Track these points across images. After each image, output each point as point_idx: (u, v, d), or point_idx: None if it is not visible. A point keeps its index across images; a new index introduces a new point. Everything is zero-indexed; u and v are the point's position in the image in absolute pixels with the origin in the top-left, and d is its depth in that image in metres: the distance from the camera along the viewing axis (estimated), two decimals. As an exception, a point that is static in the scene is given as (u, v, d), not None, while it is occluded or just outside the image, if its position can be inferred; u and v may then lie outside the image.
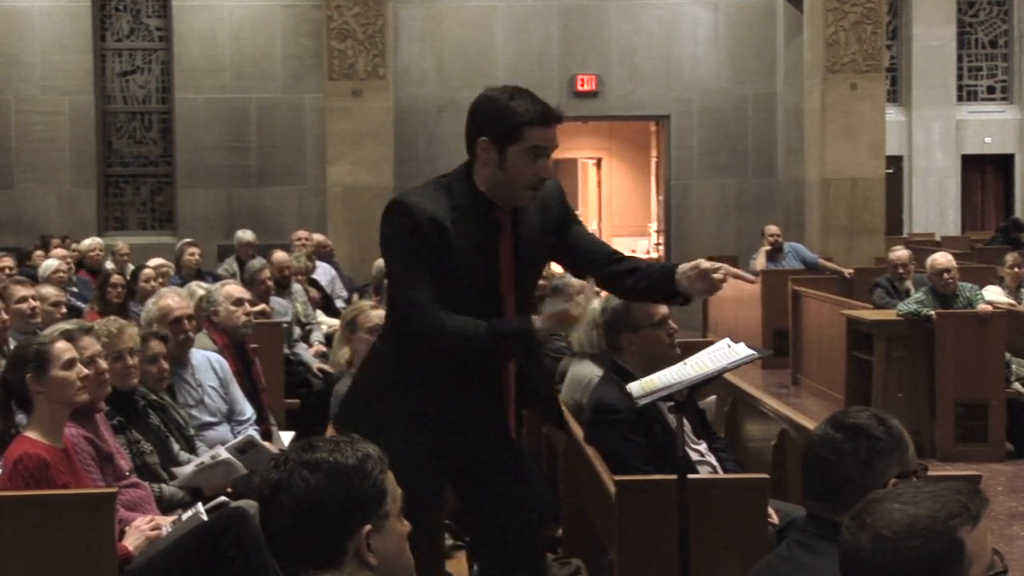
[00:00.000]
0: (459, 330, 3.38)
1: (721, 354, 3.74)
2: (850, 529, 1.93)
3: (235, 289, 6.25)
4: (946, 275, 8.55)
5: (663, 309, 4.53)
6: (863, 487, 2.44)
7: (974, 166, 19.03)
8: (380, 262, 9.27)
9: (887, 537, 1.85)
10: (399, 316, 3.52)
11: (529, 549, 3.68)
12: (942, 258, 8.71)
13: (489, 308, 3.46)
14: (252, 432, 5.24)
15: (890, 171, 16.05)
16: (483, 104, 3.44)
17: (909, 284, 9.71)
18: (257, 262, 8.82)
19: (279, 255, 9.38)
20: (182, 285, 7.90)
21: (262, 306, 8.09)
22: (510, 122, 3.36)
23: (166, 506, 4.45)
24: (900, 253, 9.99)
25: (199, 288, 6.77)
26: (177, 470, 4.67)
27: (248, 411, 5.66)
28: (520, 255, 3.53)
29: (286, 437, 5.91)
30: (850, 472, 2.47)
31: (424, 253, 3.37)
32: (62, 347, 4.06)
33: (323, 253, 11.58)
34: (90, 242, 11.60)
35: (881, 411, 2.57)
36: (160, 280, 8.72)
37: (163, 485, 4.55)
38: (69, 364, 4.02)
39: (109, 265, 11.22)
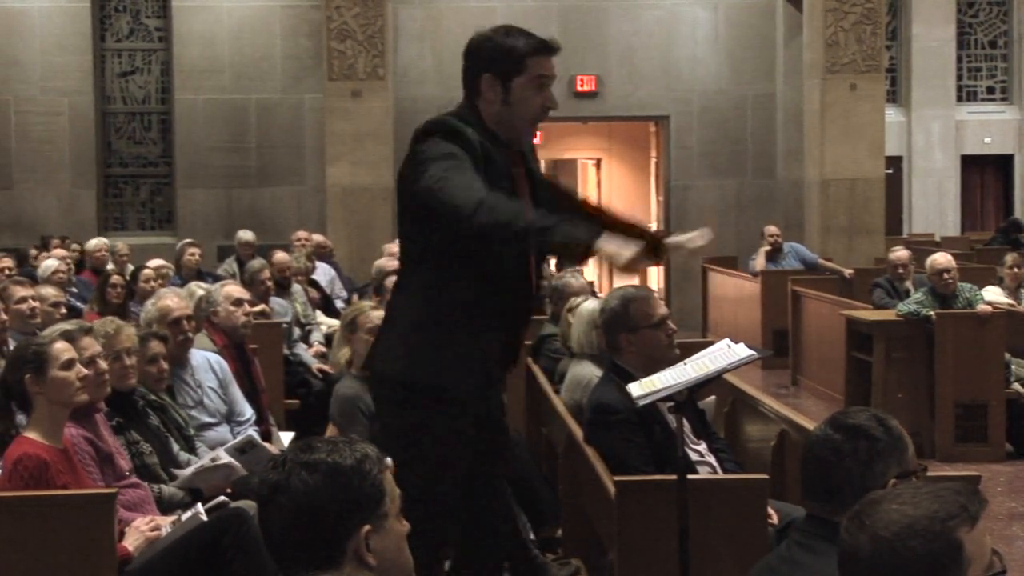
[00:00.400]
0: (516, 220, 3.11)
1: (721, 354, 3.74)
2: (849, 530, 1.93)
3: (235, 289, 6.25)
4: (946, 275, 8.56)
5: (662, 310, 4.53)
6: (862, 488, 2.44)
7: (974, 166, 19.03)
8: (380, 262, 9.24)
9: (886, 538, 1.86)
10: (467, 212, 3.11)
11: (507, 539, 3.71)
12: (942, 258, 8.71)
13: (519, 262, 3.45)
14: (252, 432, 5.24)
15: (890, 171, 16.05)
16: (482, 43, 3.49)
17: (909, 284, 9.70)
18: (257, 262, 8.82)
19: (279, 255, 9.38)
20: (182, 285, 7.90)
21: (262, 306, 8.09)
22: (513, 55, 3.42)
23: (166, 506, 4.45)
24: (900, 253, 9.98)
25: (199, 288, 6.77)
26: (177, 471, 4.67)
27: (248, 411, 5.66)
28: (536, 200, 3.53)
29: (286, 438, 5.92)
30: (850, 473, 2.47)
31: (471, 164, 3.27)
32: (61, 347, 4.06)
33: (323, 253, 11.58)
34: (96, 242, 11.60)
35: (881, 411, 2.57)
36: (160, 281, 8.72)
37: (163, 485, 4.55)
38: (68, 364, 4.02)
39: (109, 265, 11.22)
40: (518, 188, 3.48)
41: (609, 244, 3.08)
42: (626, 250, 3.06)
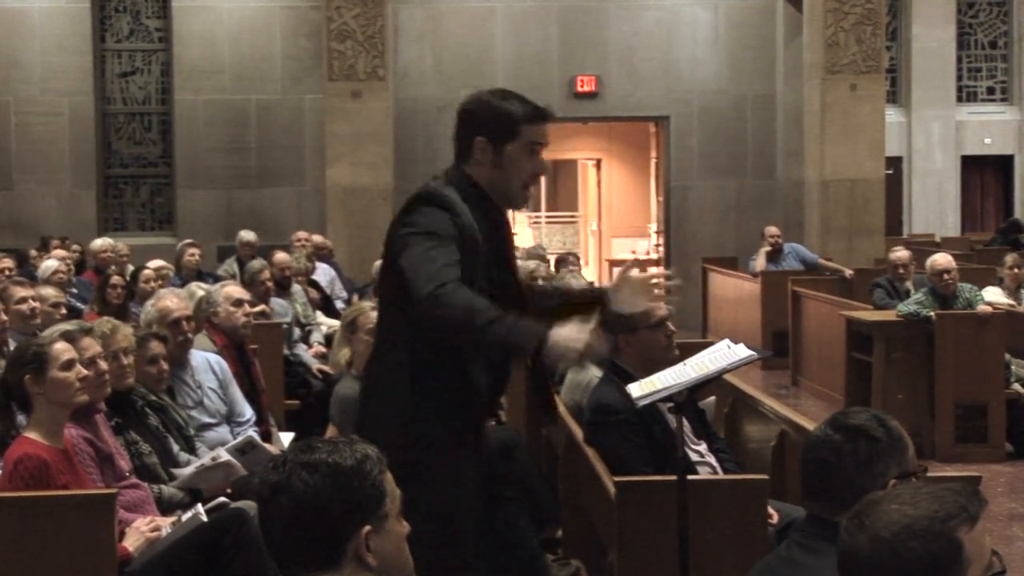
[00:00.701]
0: (477, 311, 3.12)
1: (721, 355, 3.75)
2: (848, 530, 1.93)
3: (235, 290, 6.25)
4: (946, 276, 8.56)
5: (661, 311, 4.52)
6: (862, 488, 2.44)
7: (974, 167, 19.03)
8: (380, 262, 9.23)
9: (885, 538, 1.86)
10: (424, 299, 3.16)
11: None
12: (942, 259, 8.71)
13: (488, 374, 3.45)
14: (252, 433, 5.24)
15: (890, 172, 16.05)
16: (477, 105, 3.48)
17: (909, 285, 9.70)
18: (257, 263, 8.82)
19: (280, 255, 9.38)
20: (182, 286, 7.90)
21: (262, 307, 8.09)
22: (508, 120, 3.42)
23: (166, 507, 4.46)
24: (901, 254, 9.97)
25: (199, 289, 6.77)
26: (177, 471, 4.67)
27: (248, 412, 5.66)
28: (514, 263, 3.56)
29: (286, 438, 5.91)
30: (850, 473, 2.47)
31: (456, 247, 3.27)
32: (61, 348, 4.06)
33: (323, 254, 11.58)
34: (100, 243, 11.61)
35: (881, 412, 2.57)
36: (160, 282, 8.72)
37: (163, 486, 4.55)
38: (68, 365, 4.02)
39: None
40: (507, 259, 3.49)
41: (560, 337, 3.08)
42: (577, 338, 3.06)
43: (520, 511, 3.76)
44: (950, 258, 8.82)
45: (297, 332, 8.69)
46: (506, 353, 3.40)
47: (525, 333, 3.12)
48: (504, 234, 3.52)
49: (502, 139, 3.42)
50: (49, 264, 9.47)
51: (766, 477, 4.11)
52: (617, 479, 3.97)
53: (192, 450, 5.00)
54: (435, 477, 3.30)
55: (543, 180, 23.49)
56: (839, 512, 2.45)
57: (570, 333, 3.07)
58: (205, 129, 15.66)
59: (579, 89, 15.66)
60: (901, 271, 9.80)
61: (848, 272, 12.37)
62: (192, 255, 10.80)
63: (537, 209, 23.57)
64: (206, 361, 5.59)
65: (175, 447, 4.87)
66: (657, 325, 4.49)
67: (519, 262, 9.50)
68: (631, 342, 4.50)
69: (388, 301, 3.53)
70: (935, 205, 18.77)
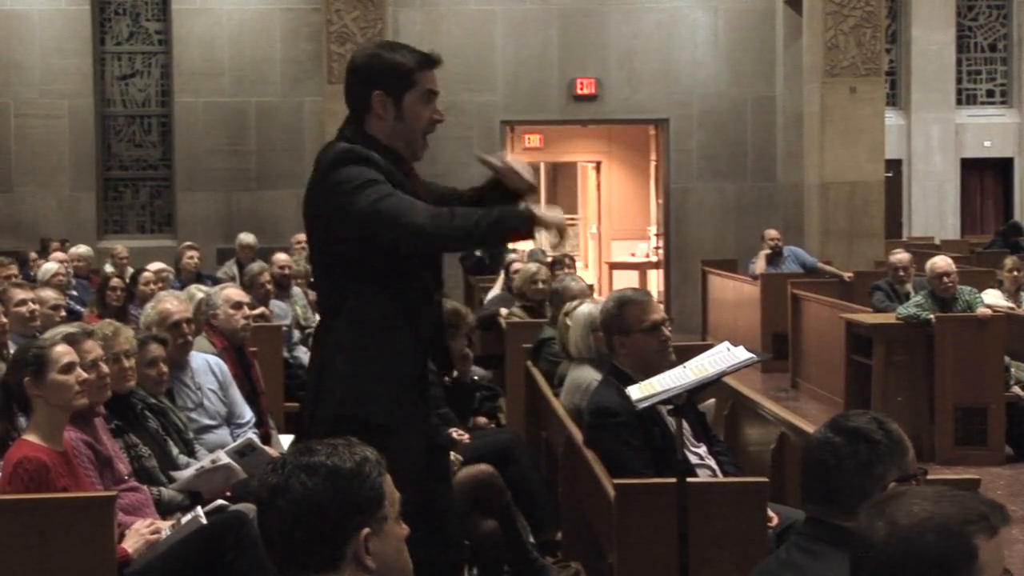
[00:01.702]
0: (479, 216, 3.30)
1: (720, 357, 3.74)
2: (867, 516, 1.93)
3: (234, 292, 6.25)
4: (946, 279, 8.56)
5: (656, 315, 4.51)
6: (862, 491, 2.44)
7: (973, 170, 19.03)
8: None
9: (902, 526, 1.86)
10: (404, 226, 3.27)
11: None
12: (942, 262, 8.71)
13: (431, 273, 3.51)
14: (251, 435, 5.24)
15: (889, 175, 16.05)
16: (368, 60, 3.49)
17: (909, 287, 9.70)
18: (256, 265, 8.82)
19: (280, 255, 9.38)
20: (181, 288, 7.90)
21: (261, 309, 8.09)
22: (403, 71, 3.44)
23: (165, 509, 4.45)
24: (901, 256, 9.97)
25: (198, 291, 6.77)
26: (176, 474, 4.67)
27: (247, 414, 5.66)
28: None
29: (285, 440, 5.91)
30: (849, 476, 2.47)
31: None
32: (61, 351, 4.05)
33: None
34: (81, 250, 11.66)
35: (881, 415, 2.57)
36: (159, 284, 8.72)
37: (162, 488, 4.55)
38: (68, 368, 4.01)
39: (108, 268, 11.22)
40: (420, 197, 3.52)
41: (545, 211, 3.30)
42: (557, 211, 3.31)
43: (448, 491, 3.74)
44: (950, 261, 8.82)
45: (297, 335, 8.69)
46: (505, 238, 3.52)
47: (513, 216, 3.32)
48: (417, 185, 3.53)
49: (400, 90, 3.43)
50: (48, 267, 9.47)
51: (766, 479, 4.10)
52: (616, 481, 3.96)
53: (192, 453, 4.99)
54: (382, 434, 3.32)
55: (542, 181, 23.48)
56: (839, 515, 2.46)
57: (549, 211, 3.30)
58: (205, 131, 15.67)
59: (579, 91, 15.67)
60: (901, 273, 9.78)
61: (847, 276, 12.37)
62: (191, 257, 10.80)
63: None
64: (206, 363, 5.59)
65: (175, 450, 4.87)
66: (650, 329, 4.47)
67: (519, 264, 9.52)
68: (625, 344, 4.49)
69: (326, 267, 3.55)
70: (935, 208, 18.77)
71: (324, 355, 3.51)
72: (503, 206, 3.40)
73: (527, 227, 3.30)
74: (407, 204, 3.30)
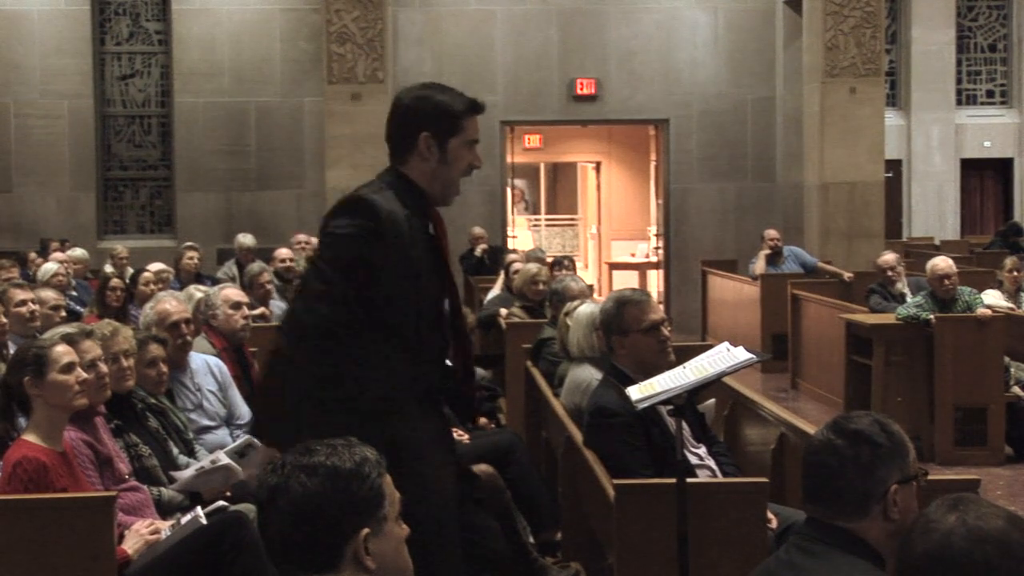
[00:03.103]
0: (350, 378, 3.29)
1: (720, 358, 3.74)
2: (940, 507, 1.96)
3: (233, 293, 6.25)
4: (946, 282, 8.56)
5: (654, 316, 4.50)
6: (864, 493, 2.44)
7: (973, 170, 19.04)
8: None
9: (972, 527, 1.89)
10: (306, 310, 3.31)
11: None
12: (942, 263, 8.70)
13: (438, 330, 3.48)
14: (251, 435, 5.23)
15: (889, 175, 16.05)
16: (417, 102, 3.49)
17: (901, 287, 9.72)
18: (256, 266, 8.82)
19: (282, 250, 9.38)
20: (181, 289, 7.90)
21: (261, 310, 8.10)
22: (451, 115, 3.45)
23: (165, 510, 4.45)
24: (887, 257, 10.02)
25: (197, 291, 6.77)
26: (176, 474, 4.66)
27: (247, 414, 5.65)
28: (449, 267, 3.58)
29: (285, 441, 5.90)
30: (851, 478, 2.46)
31: (374, 263, 3.30)
32: (61, 351, 4.05)
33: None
34: (78, 253, 11.67)
35: (883, 416, 2.57)
36: (159, 284, 8.72)
37: (162, 488, 4.55)
38: (68, 368, 4.01)
39: (108, 268, 11.22)
40: (444, 264, 3.51)
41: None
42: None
43: (483, 513, 3.73)
44: (951, 262, 8.81)
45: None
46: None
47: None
48: (440, 232, 3.51)
49: (447, 134, 3.44)
50: (48, 267, 9.47)
51: (765, 480, 4.10)
52: (616, 482, 3.96)
53: (191, 453, 4.99)
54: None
55: (542, 182, 23.45)
56: (840, 516, 2.46)
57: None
58: (205, 132, 15.67)
59: (579, 92, 15.66)
60: (890, 273, 9.83)
61: (847, 276, 12.37)
62: (191, 258, 10.80)
63: (537, 212, 23.58)
64: (205, 364, 5.58)
65: (175, 450, 4.87)
66: (648, 330, 4.46)
67: (519, 265, 9.52)
68: (624, 344, 4.49)
69: None
70: (934, 208, 18.78)
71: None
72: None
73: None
74: (329, 323, 3.26)
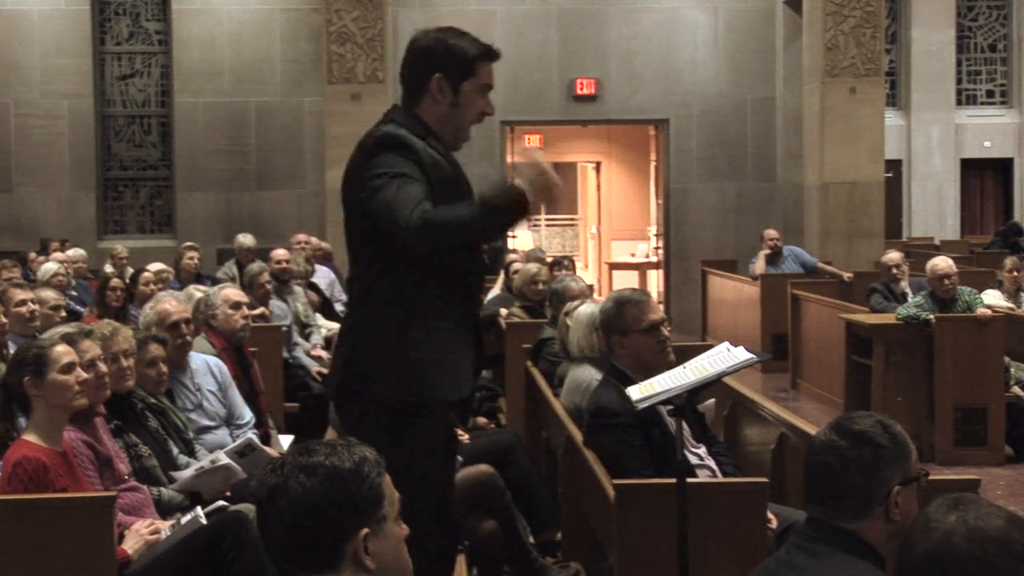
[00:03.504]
0: (458, 218, 3.26)
1: (720, 358, 3.74)
2: (940, 507, 1.96)
3: (233, 293, 6.25)
4: (946, 281, 8.56)
5: (654, 316, 4.50)
6: (866, 494, 2.44)
7: (973, 170, 19.04)
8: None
9: (972, 527, 1.90)
10: (406, 228, 3.24)
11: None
12: (942, 263, 8.70)
13: (468, 257, 3.48)
14: (251, 436, 5.23)
15: (889, 175, 16.05)
16: (433, 43, 3.51)
17: (904, 286, 9.71)
18: (256, 266, 8.81)
19: (278, 251, 9.37)
20: (181, 289, 7.90)
21: (261, 310, 8.09)
22: (465, 58, 3.47)
23: (165, 510, 4.45)
24: (892, 255, 9.99)
25: (197, 291, 6.77)
26: (176, 474, 4.66)
27: (247, 414, 5.65)
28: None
29: (285, 441, 5.91)
30: (854, 479, 2.46)
31: (422, 185, 3.31)
32: (61, 351, 4.05)
33: (322, 257, 11.58)
34: (74, 253, 11.66)
35: (885, 417, 2.57)
36: (159, 284, 8.72)
37: (162, 488, 4.55)
38: (68, 368, 4.01)
39: (108, 268, 11.22)
40: (465, 189, 3.51)
41: (527, 181, 3.25)
42: (538, 167, 3.26)
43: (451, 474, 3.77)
44: (951, 262, 8.81)
45: (297, 332, 8.67)
46: (506, 226, 3.44)
47: (507, 203, 3.24)
48: (460, 172, 3.52)
49: (460, 77, 3.46)
50: (48, 267, 9.47)
51: (765, 480, 4.10)
52: (616, 482, 3.96)
53: (191, 453, 4.99)
54: (411, 434, 3.38)
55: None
56: (841, 517, 2.46)
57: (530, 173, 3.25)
58: (205, 132, 15.67)
59: (579, 92, 15.67)
60: (895, 271, 9.80)
61: (847, 276, 12.37)
62: (191, 258, 10.79)
63: (536, 212, 23.56)
64: (205, 364, 5.58)
65: (174, 450, 4.87)
66: (648, 330, 4.47)
67: (519, 265, 9.53)
68: (624, 344, 4.49)
69: (361, 248, 3.52)
70: (934, 208, 18.78)
71: (363, 319, 3.50)
72: (490, 195, 3.30)
73: (516, 202, 3.24)
74: (412, 199, 3.25)
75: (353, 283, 3.61)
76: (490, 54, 3.52)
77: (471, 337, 3.54)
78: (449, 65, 3.46)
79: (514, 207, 3.26)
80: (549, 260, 10.55)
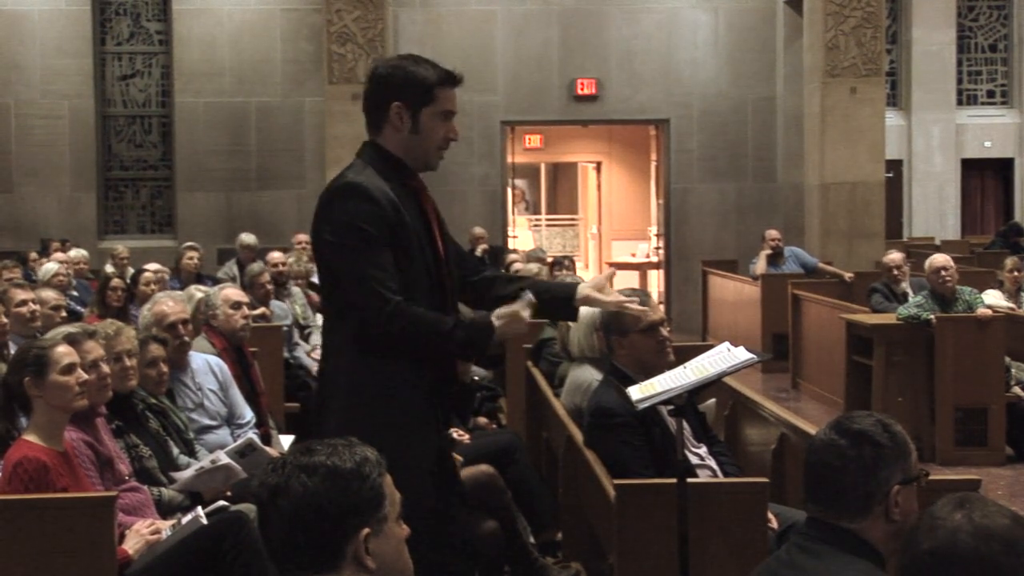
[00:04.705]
0: (433, 325, 3.32)
1: (721, 358, 3.74)
2: (945, 505, 1.96)
3: (233, 293, 6.25)
4: (943, 272, 8.55)
5: (653, 316, 4.51)
6: (866, 493, 2.44)
7: (974, 170, 19.03)
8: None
9: (978, 525, 1.90)
10: (365, 313, 3.27)
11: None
12: (940, 258, 8.72)
13: (436, 296, 3.45)
14: (252, 435, 5.23)
15: (890, 175, 16.05)
16: (391, 71, 3.50)
17: (905, 286, 9.71)
18: (256, 266, 8.82)
19: (275, 254, 9.38)
20: (181, 289, 7.90)
21: (262, 310, 8.09)
22: (423, 85, 3.45)
23: (165, 510, 4.45)
24: (893, 255, 9.99)
25: (197, 291, 6.77)
26: (176, 474, 4.66)
27: (248, 414, 5.66)
28: (442, 231, 3.54)
29: (286, 441, 5.91)
30: (854, 478, 2.46)
31: (385, 241, 3.30)
32: (62, 351, 4.05)
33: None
34: (75, 254, 11.66)
35: (885, 416, 2.57)
36: (157, 284, 8.72)
37: (162, 489, 4.55)
38: (68, 369, 4.01)
39: (109, 268, 11.22)
40: (431, 226, 3.48)
41: (504, 328, 3.38)
42: (519, 320, 3.38)
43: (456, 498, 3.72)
44: (948, 257, 8.83)
45: (296, 334, 8.68)
46: (468, 353, 3.52)
47: (479, 332, 3.37)
48: (422, 200, 3.50)
49: (419, 104, 3.44)
50: (49, 267, 9.48)
51: (766, 480, 4.10)
52: (617, 482, 3.96)
53: (192, 453, 4.99)
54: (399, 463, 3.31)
55: (543, 182, 23.44)
56: (841, 516, 2.46)
57: (509, 323, 3.39)
58: (205, 132, 15.67)
59: (579, 92, 15.67)
60: (896, 272, 9.80)
61: (848, 276, 12.37)
62: (191, 258, 10.79)
63: (537, 212, 23.59)
64: (206, 364, 5.58)
65: (175, 450, 4.87)
66: (649, 330, 4.47)
67: (520, 265, 9.53)
68: (623, 344, 4.49)
69: (330, 293, 3.50)
70: (935, 208, 18.77)
71: (327, 376, 3.49)
72: (472, 322, 3.43)
73: (485, 347, 3.38)
74: (378, 293, 3.25)
75: (325, 320, 3.60)
76: (451, 80, 3.51)
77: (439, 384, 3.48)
78: (407, 92, 3.44)
79: (486, 347, 3.39)
80: (549, 260, 10.55)
